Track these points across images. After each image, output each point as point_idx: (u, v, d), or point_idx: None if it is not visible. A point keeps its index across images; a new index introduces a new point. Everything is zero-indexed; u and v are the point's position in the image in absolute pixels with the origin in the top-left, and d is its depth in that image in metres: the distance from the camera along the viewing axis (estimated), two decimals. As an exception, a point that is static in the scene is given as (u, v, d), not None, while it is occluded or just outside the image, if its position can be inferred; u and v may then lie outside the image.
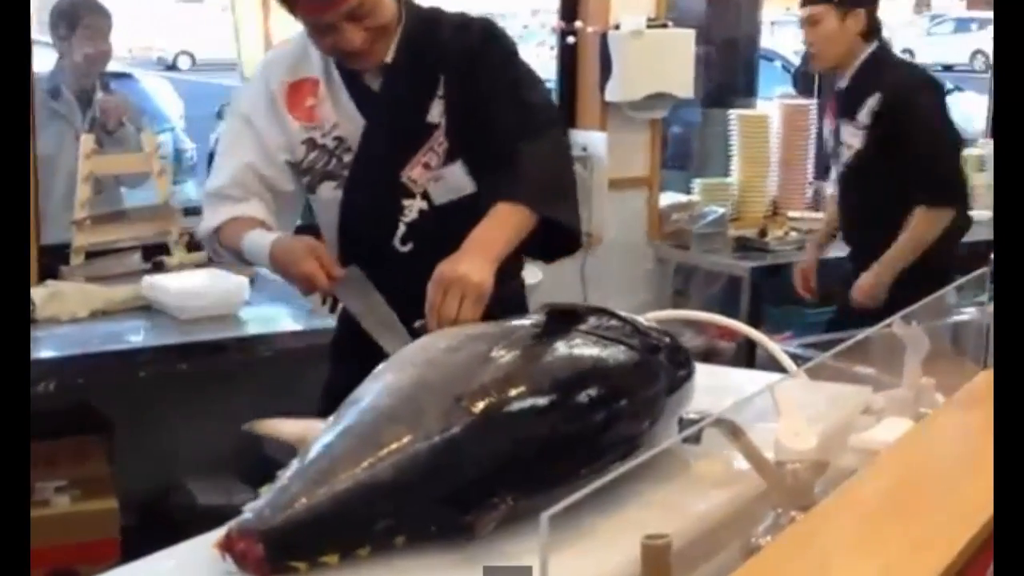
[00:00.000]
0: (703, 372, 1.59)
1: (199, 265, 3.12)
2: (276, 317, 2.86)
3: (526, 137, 1.69)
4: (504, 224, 1.63)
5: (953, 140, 2.96)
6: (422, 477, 1.07)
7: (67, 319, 2.77)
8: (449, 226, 1.70)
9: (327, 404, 1.83)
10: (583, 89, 3.85)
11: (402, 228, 1.76)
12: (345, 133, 1.79)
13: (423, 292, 1.55)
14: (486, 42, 1.76)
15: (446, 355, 1.19)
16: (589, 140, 3.80)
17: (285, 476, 1.06)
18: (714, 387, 1.59)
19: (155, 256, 3.16)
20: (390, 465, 1.06)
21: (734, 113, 4.13)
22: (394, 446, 1.07)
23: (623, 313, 1.37)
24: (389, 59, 1.75)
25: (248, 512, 1.03)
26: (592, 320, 1.33)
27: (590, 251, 3.73)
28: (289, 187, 1.83)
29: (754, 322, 3.54)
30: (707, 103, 4.42)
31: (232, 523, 1.03)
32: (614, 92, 3.71)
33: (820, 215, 4.06)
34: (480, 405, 1.12)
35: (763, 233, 3.80)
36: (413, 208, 1.76)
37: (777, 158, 4.13)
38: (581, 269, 3.71)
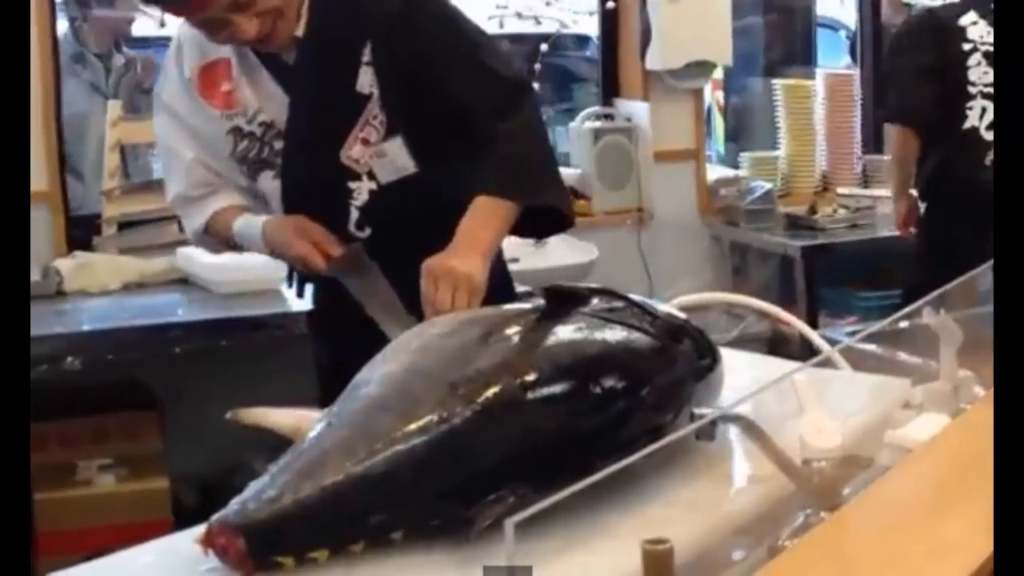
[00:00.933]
0: (746, 362, 1.53)
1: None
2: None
3: (500, 116, 1.58)
4: (490, 218, 1.55)
5: (909, 62, 3.09)
6: (418, 469, 1.03)
7: (97, 291, 2.77)
8: (405, 205, 1.61)
9: (318, 383, 1.81)
10: (624, 58, 3.76)
11: (355, 213, 1.63)
12: (271, 116, 1.64)
13: (394, 277, 1.50)
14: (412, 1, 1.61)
15: (441, 340, 1.14)
16: (632, 110, 3.72)
17: (270, 471, 1.02)
18: (759, 379, 1.53)
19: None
20: (383, 457, 1.02)
21: (778, 83, 4.01)
22: (386, 436, 1.02)
23: (634, 296, 1.30)
24: (300, 32, 1.60)
25: (232, 504, 1.00)
26: (598, 303, 1.27)
27: (644, 227, 3.67)
28: (241, 180, 1.70)
29: (811, 306, 3.45)
30: (766, 73, 4.30)
31: (214, 517, 0.99)
32: (654, 60, 3.62)
33: (870, 191, 3.94)
34: (477, 392, 1.07)
35: (813, 210, 3.68)
36: (362, 190, 1.63)
37: (824, 131, 4.00)
38: (638, 246, 3.65)
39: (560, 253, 3.06)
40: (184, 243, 3.04)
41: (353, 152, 1.62)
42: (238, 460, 2.92)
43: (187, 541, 1.01)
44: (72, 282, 2.77)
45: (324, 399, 1.16)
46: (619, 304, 1.27)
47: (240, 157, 1.67)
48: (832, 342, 2.04)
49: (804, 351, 3.31)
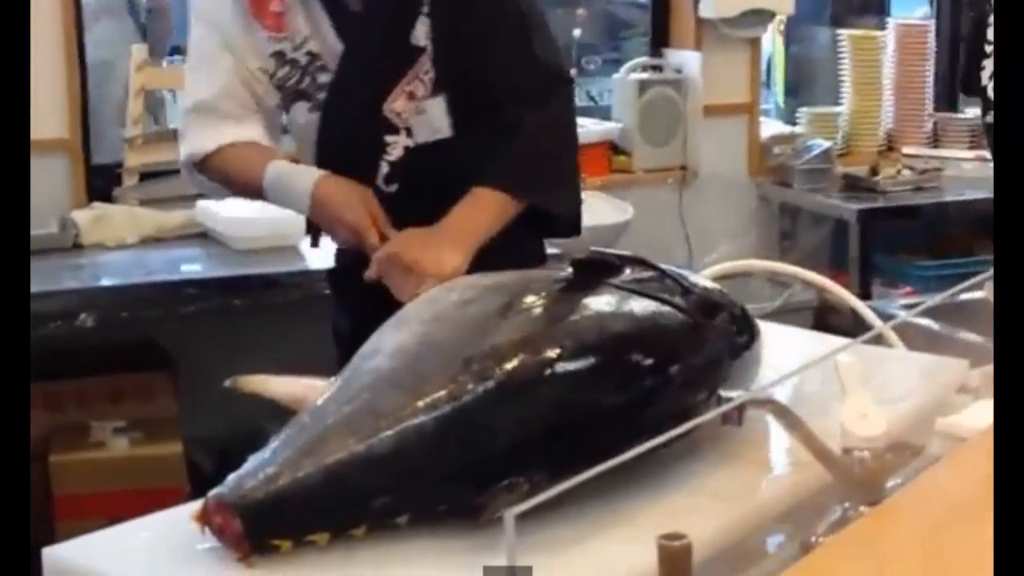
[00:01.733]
0: (791, 337, 1.50)
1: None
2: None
3: (530, 105, 1.58)
4: (485, 211, 1.55)
5: None
6: (426, 450, 1.01)
7: (114, 245, 2.79)
8: (435, 168, 1.60)
9: (336, 345, 1.80)
10: (676, 4, 3.69)
11: (385, 168, 1.63)
12: (319, 49, 1.64)
13: None
14: None
15: (457, 310, 1.12)
16: (683, 61, 3.65)
17: (270, 446, 1.01)
18: (802, 357, 1.49)
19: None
20: (390, 435, 1.00)
21: (845, 33, 3.91)
22: (393, 413, 1.01)
23: (669, 268, 1.27)
24: None
25: (230, 481, 0.99)
26: (630, 274, 1.23)
27: (686, 186, 3.62)
28: (273, 100, 1.68)
29: (866, 274, 3.39)
30: (832, 23, 4.20)
31: (210, 493, 0.99)
32: (708, 7, 3.54)
33: (940, 152, 3.85)
34: (493, 369, 1.04)
35: (874, 171, 3.60)
36: (397, 145, 1.62)
37: (892, 86, 3.90)
38: (678, 206, 3.60)
39: (593, 212, 3.01)
40: (205, 196, 3.07)
41: (396, 105, 1.62)
42: (254, 423, 2.93)
43: (183, 518, 1.01)
44: (89, 235, 2.79)
45: (342, 365, 1.15)
46: (652, 275, 1.24)
47: (278, 84, 1.67)
48: (884, 316, 1.99)
49: (854, 323, 3.26)
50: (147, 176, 3.09)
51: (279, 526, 0.97)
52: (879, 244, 3.53)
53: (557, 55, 1.71)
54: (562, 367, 1.08)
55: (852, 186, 3.58)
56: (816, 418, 1.18)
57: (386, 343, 1.10)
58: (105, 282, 2.65)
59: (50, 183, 2.90)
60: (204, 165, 1.67)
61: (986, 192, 3.57)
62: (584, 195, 1.79)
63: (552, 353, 1.08)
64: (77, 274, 2.64)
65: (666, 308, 1.19)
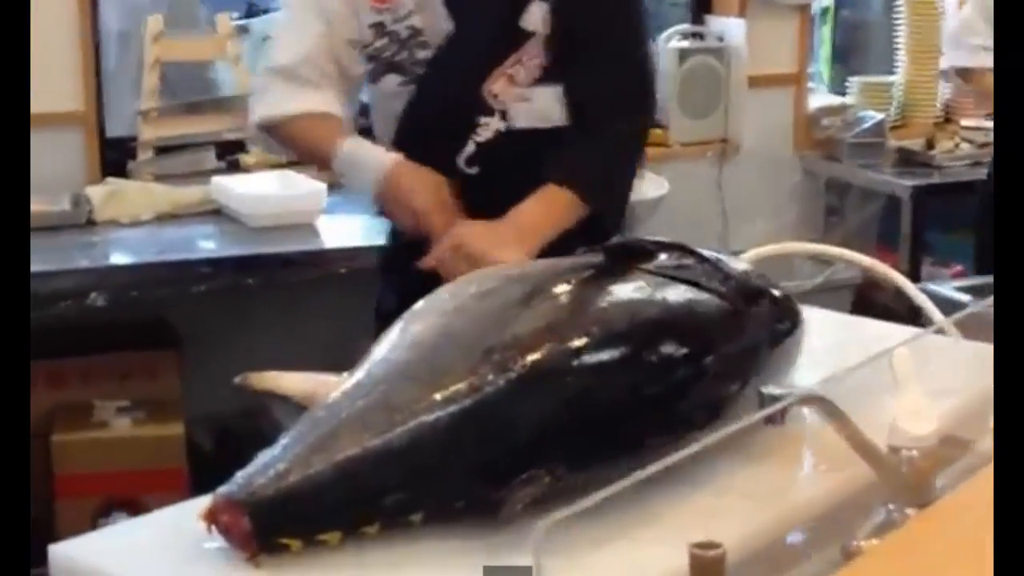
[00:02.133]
0: (834, 323, 1.47)
1: (278, 166, 3.11)
2: (357, 229, 2.82)
3: (622, 114, 1.65)
4: (557, 211, 1.60)
5: None
6: (442, 444, 1.00)
7: (128, 222, 2.80)
8: (526, 156, 1.64)
9: (377, 321, 1.82)
10: (719, -33, 3.64)
11: (471, 147, 1.68)
12: (423, 25, 1.69)
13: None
14: None
15: (478, 302, 1.11)
16: (726, 28, 3.60)
17: (280, 442, 1.01)
18: (843, 343, 1.47)
19: (230, 154, 3.16)
20: (405, 430, 0.99)
21: (902, -4, 3.84)
22: (409, 407, 1.00)
23: (707, 252, 1.25)
24: None
25: (238, 479, 0.99)
26: (662, 259, 1.22)
27: (727, 160, 3.58)
28: (358, 70, 1.75)
29: (916, 253, 3.35)
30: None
31: (218, 491, 0.98)
32: (753, -29, 3.50)
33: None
34: (514, 360, 1.03)
35: (930, 144, 3.55)
36: (489, 127, 1.67)
37: (952, 55, 3.83)
38: (717, 181, 3.56)
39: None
40: (220, 172, 3.08)
41: (496, 87, 1.66)
42: (258, 404, 2.97)
43: (191, 515, 1.01)
44: (103, 211, 2.80)
45: None
46: (688, 261, 1.22)
47: (371, 55, 1.71)
48: (937, 297, 1.96)
49: (896, 301, 3.22)
50: (162, 150, 3.10)
51: (289, 525, 0.97)
52: (931, 221, 3.48)
53: (653, 72, 1.78)
54: (587, 357, 1.07)
55: (906, 161, 3.52)
56: (860, 412, 1.16)
57: (402, 336, 1.09)
58: (117, 260, 2.67)
59: (63, 158, 2.91)
60: (273, 129, 1.75)
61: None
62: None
63: (577, 342, 1.06)
64: (89, 252, 2.66)
65: (700, 294, 1.17)
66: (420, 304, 1.15)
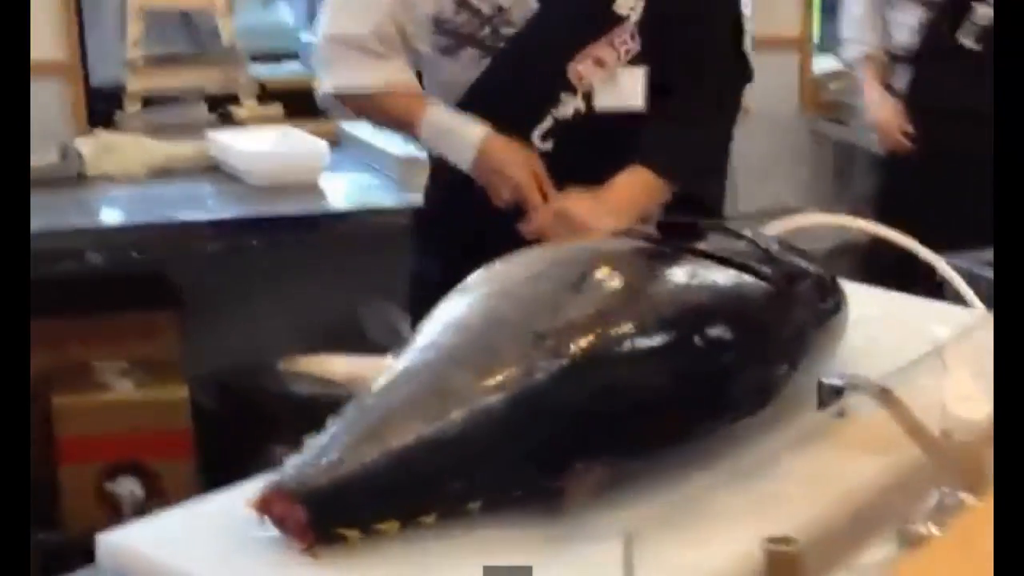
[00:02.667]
0: (859, 295, 1.46)
1: (272, 120, 3.07)
2: (362, 188, 2.79)
3: (718, 101, 1.70)
4: (644, 190, 1.63)
5: None
6: (497, 431, 0.99)
7: (121, 177, 2.76)
8: (601, 136, 1.65)
9: (414, 289, 1.84)
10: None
11: (549, 122, 1.69)
12: (509, 4, 1.69)
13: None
14: None
15: (527, 285, 1.09)
16: (732, -11, 3.55)
17: (331, 429, 0.99)
18: (872, 319, 1.47)
19: (221, 107, 3.11)
20: (459, 417, 0.98)
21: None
22: (461, 394, 0.98)
23: (751, 232, 1.24)
24: None
25: (289, 468, 0.97)
26: (712, 240, 1.21)
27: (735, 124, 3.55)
28: (425, 46, 1.75)
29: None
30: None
31: (270, 481, 0.96)
32: (757, -74, 3.46)
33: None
34: (567, 345, 1.02)
35: (937, 109, 3.52)
36: (568, 105, 1.68)
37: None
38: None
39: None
40: (212, 125, 3.02)
41: (582, 67, 1.67)
42: (260, 363, 2.95)
43: (238, 502, 0.99)
44: (95, 166, 2.75)
45: (420, 310, 1.15)
46: (737, 242, 1.21)
47: (450, 28, 1.70)
48: (964, 272, 1.95)
49: (908, 264, 3.23)
50: (150, 102, 3.05)
51: (345, 515, 0.95)
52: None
53: (748, 55, 1.84)
54: (639, 343, 1.05)
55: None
56: (907, 393, 1.15)
57: (452, 318, 1.07)
58: (115, 219, 2.62)
59: (47, 108, 2.85)
60: (348, 98, 1.77)
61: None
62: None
63: (628, 328, 1.05)
64: (85, 209, 2.61)
65: (750, 279, 1.17)
66: (467, 283, 1.13)
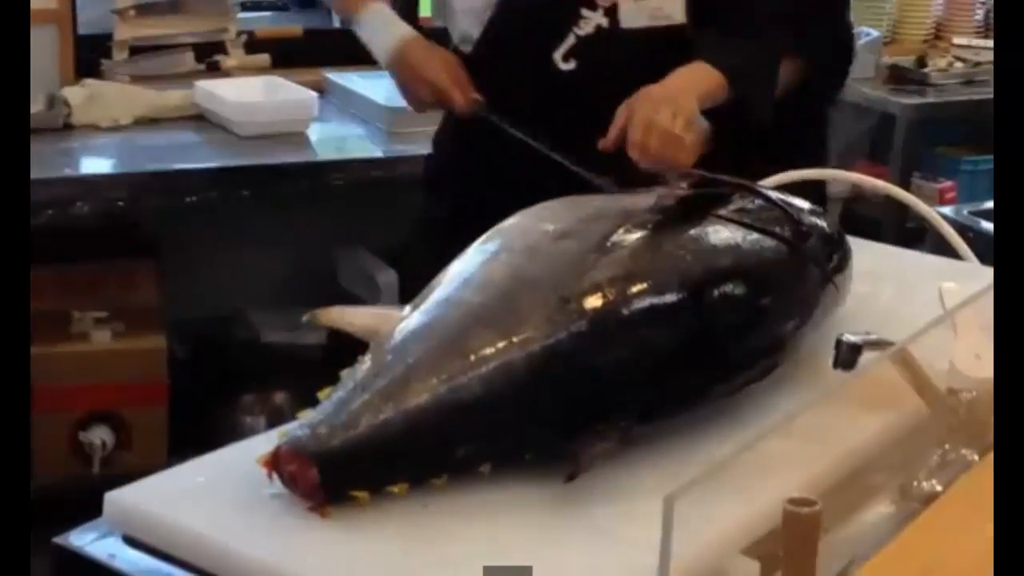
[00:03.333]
0: (855, 247, 1.44)
1: (260, 70, 3.00)
2: (349, 139, 2.74)
3: (778, 24, 1.62)
4: (704, 81, 1.53)
5: None
6: (516, 394, 0.97)
7: (107, 126, 2.70)
8: (628, 55, 1.57)
9: (422, 235, 1.79)
10: None
11: (571, 39, 1.59)
12: None
13: (581, 125, 1.47)
14: None
15: (552, 243, 1.06)
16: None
17: (347, 385, 0.96)
18: (866, 273, 1.45)
19: (209, 56, 3.04)
20: (477, 378, 0.95)
21: (892, -92, 3.74)
22: (483, 355, 0.96)
23: (768, 191, 1.22)
24: None
25: (302, 426, 0.94)
26: (733, 200, 1.18)
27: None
28: None
29: (906, 167, 3.33)
30: None
31: (283, 439, 0.94)
32: None
33: (991, 43, 3.73)
34: (592, 308, 0.99)
35: (921, 62, 3.50)
36: (591, 22, 1.59)
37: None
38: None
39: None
40: (199, 74, 2.96)
41: None
42: (237, 313, 2.92)
43: (241, 458, 0.97)
44: (81, 115, 2.68)
45: (430, 257, 1.12)
46: (758, 204, 1.19)
47: None
48: (958, 224, 1.93)
49: (888, 214, 3.23)
50: (138, 51, 2.97)
51: (357, 476, 0.93)
52: (922, 137, 3.46)
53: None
54: (661, 306, 1.03)
55: (900, 78, 3.46)
56: (919, 353, 1.14)
57: (475, 273, 1.04)
58: (102, 169, 2.56)
59: (35, 56, 2.76)
60: None
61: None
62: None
63: (652, 292, 1.03)
64: (71, 159, 2.55)
65: (768, 239, 1.14)
66: (491, 236, 1.09)
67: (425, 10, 3.20)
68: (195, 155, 2.61)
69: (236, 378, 2.76)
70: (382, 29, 1.69)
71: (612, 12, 1.60)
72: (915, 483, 1.12)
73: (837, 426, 1.14)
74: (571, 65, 1.60)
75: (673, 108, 1.45)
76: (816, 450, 1.09)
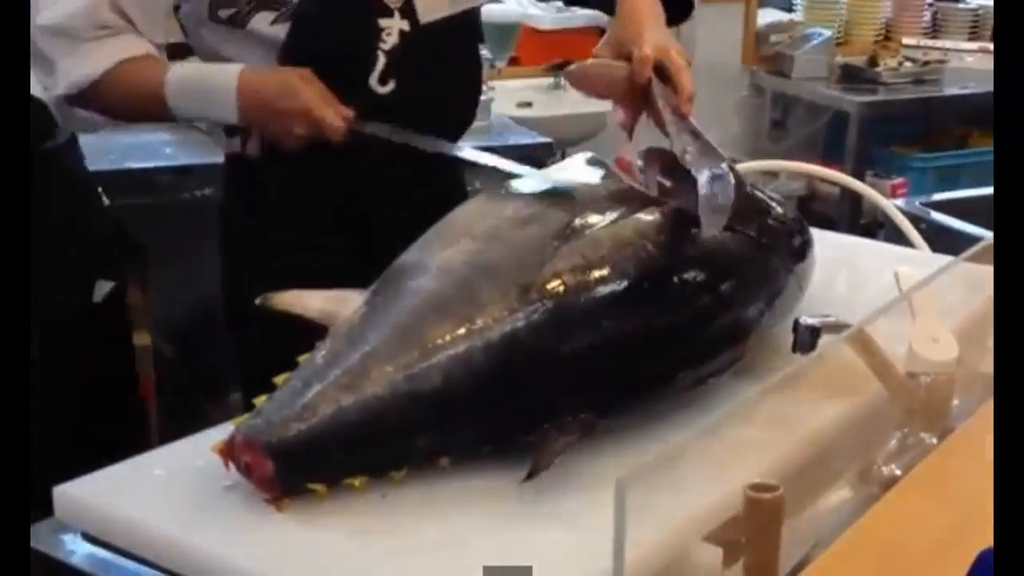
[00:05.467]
0: (825, 242, 1.40)
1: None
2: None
3: None
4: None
5: None
6: (475, 384, 0.91)
7: (82, 126, 2.61)
8: (438, 59, 1.39)
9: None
10: None
11: (381, 61, 1.35)
12: None
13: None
14: None
15: (514, 229, 1.00)
16: (679, -58, 3.44)
17: (303, 373, 0.90)
18: (824, 261, 1.41)
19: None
20: (436, 368, 0.89)
21: (842, -87, 3.72)
22: (442, 344, 0.90)
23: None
24: None
25: (258, 415, 0.88)
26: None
27: (676, 75, 3.46)
28: (160, 38, 1.35)
29: (859, 165, 3.32)
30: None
31: (237, 427, 0.88)
32: None
33: (940, 43, 3.72)
34: (553, 296, 0.93)
35: (873, 62, 3.47)
36: (392, 31, 1.36)
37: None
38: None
39: (574, 100, 2.87)
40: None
41: None
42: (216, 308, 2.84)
43: (198, 450, 0.90)
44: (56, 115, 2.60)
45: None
46: None
47: (225, 3, 1.33)
48: (912, 216, 1.90)
49: (842, 210, 3.22)
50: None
51: (314, 468, 0.87)
52: (874, 135, 3.44)
53: None
54: (623, 295, 0.98)
55: (851, 77, 3.44)
56: (878, 337, 1.09)
57: (433, 259, 0.98)
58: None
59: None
60: (87, 94, 1.33)
61: (989, 85, 3.48)
62: (565, 82, 1.61)
63: (613, 281, 0.98)
64: (45, 159, 2.47)
65: (730, 231, 1.09)
66: (451, 220, 1.02)
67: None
68: (170, 154, 2.55)
69: (223, 375, 2.69)
70: (204, 86, 1.31)
71: (409, 11, 1.38)
72: (875, 467, 1.08)
73: (798, 411, 1.09)
74: (390, 87, 1.37)
75: (679, 59, 1.36)
76: (778, 435, 1.04)
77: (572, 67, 1.31)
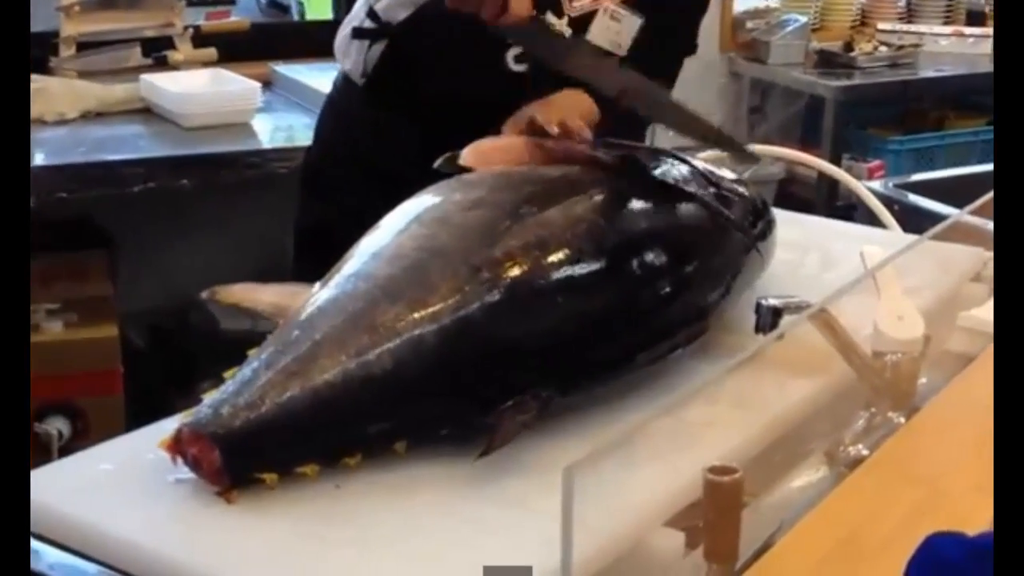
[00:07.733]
0: (780, 220, 1.38)
1: (207, 64, 2.90)
2: (294, 128, 2.64)
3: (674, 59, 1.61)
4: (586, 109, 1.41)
5: None
6: (428, 367, 0.88)
7: (53, 120, 2.58)
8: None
9: (300, 244, 1.64)
10: None
11: None
12: None
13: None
14: None
15: (463, 212, 0.97)
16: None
17: (251, 364, 0.87)
18: (793, 243, 1.39)
19: (157, 51, 2.93)
20: (387, 352, 0.87)
21: (816, -101, 3.70)
22: (393, 328, 0.87)
23: (688, 157, 1.14)
24: None
25: (205, 407, 0.85)
26: (651, 165, 1.10)
27: (653, 62, 3.43)
28: None
29: (836, 149, 3.31)
30: None
31: (183, 421, 0.85)
32: None
33: (915, 28, 3.70)
34: (503, 277, 0.91)
35: (848, 47, 3.45)
36: (555, 26, 1.47)
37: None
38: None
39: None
40: (147, 69, 2.85)
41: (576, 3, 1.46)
42: (191, 302, 2.82)
43: (149, 444, 0.88)
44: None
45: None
46: (678, 168, 1.12)
47: None
48: (884, 197, 1.89)
49: (820, 193, 3.22)
50: (85, 46, 2.86)
51: (263, 458, 0.84)
52: (850, 119, 3.42)
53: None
54: (577, 272, 0.95)
55: (827, 62, 3.43)
56: (842, 316, 1.07)
57: (382, 246, 0.95)
58: (45, 161, 2.45)
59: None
60: None
61: (963, 68, 3.46)
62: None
63: (567, 258, 0.95)
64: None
65: (688, 204, 1.07)
66: (401, 209, 1.00)
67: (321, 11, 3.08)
68: (138, 146, 2.51)
69: (193, 366, 2.67)
70: None
71: (580, 26, 1.44)
72: (841, 448, 1.05)
73: (762, 391, 1.07)
74: (523, 67, 1.45)
75: (566, 109, 1.35)
76: (742, 415, 1.02)
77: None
